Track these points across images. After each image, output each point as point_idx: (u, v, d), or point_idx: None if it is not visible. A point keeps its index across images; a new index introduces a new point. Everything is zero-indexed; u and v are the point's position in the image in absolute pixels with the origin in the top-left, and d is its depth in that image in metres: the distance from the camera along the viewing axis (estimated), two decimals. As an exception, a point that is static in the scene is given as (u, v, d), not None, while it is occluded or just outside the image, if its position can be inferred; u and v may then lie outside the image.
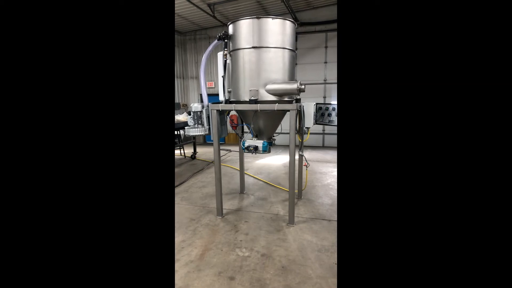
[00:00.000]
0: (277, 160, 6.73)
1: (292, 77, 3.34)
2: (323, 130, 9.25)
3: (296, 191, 4.17)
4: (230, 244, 2.85)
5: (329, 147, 8.96)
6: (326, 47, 8.92)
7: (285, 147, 8.32)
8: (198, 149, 8.03)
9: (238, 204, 3.96)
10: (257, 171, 5.72)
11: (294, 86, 3.06)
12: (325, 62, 9.00)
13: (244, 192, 4.44)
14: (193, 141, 7.29)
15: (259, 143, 3.31)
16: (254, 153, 3.31)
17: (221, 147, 7.60)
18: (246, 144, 3.36)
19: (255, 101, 3.13)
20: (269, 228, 3.19)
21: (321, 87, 9.10)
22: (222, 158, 6.92)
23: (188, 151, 7.39)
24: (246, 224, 3.29)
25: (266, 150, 3.32)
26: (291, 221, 3.26)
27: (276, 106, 3.02)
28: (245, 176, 5.28)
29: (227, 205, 3.91)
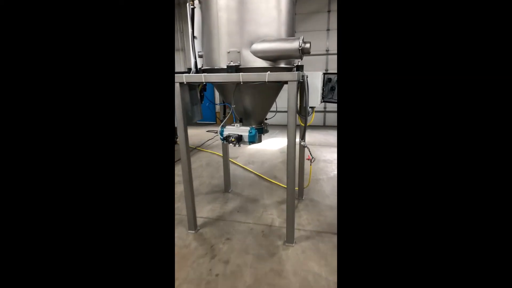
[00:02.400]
0: (273, 145, 5.75)
1: (291, 32, 2.27)
2: (325, 107, 8.21)
3: (297, 188, 3.24)
4: (200, 283, 1.93)
5: (331, 127, 7.97)
6: (328, 11, 7.67)
7: (283, 127, 7.32)
8: (183, 132, 7.04)
9: (220, 209, 3.03)
10: (248, 160, 4.75)
11: (294, 44, 2.01)
12: (328, 30, 7.80)
13: (230, 190, 3.49)
14: (175, 123, 6.26)
15: (244, 130, 2.30)
16: (237, 145, 2.32)
17: (209, 129, 6.58)
18: (225, 133, 2.35)
19: (236, 69, 2.09)
20: (259, 251, 2.26)
21: (323, 59, 7.95)
22: (208, 143, 5.93)
23: (170, 134, 6.39)
24: (228, 244, 2.37)
25: (254, 140, 2.32)
26: (289, 239, 2.34)
27: (268, 76, 1.99)
28: (234, 166, 4.32)
29: (205, 211, 2.97)
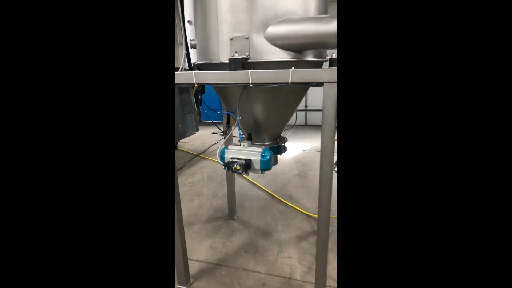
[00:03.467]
0: (286, 152, 5.02)
1: (323, 9, 1.55)
2: (342, 107, 7.43)
3: (313, 215, 2.54)
4: None
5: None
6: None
7: (296, 127, 6.59)
8: (185, 135, 6.36)
9: (222, 246, 2.34)
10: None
11: (330, 26, 1.29)
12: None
13: (235, 217, 2.80)
14: (175, 125, 5.60)
15: (254, 153, 1.60)
16: (244, 174, 1.61)
17: (216, 131, 5.94)
18: (227, 156, 1.65)
19: (243, 64, 1.39)
20: (275, 327, 1.57)
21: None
22: (212, 148, 5.25)
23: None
24: (231, 312, 1.69)
25: (269, 167, 1.61)
26: (319, 308, 1.64)
27: (292, 74, 1.27)
28: (241, 180, 3.62)
29: (204, 250, 2.29)
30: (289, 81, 1.29)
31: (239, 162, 1.54)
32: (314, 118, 7.36)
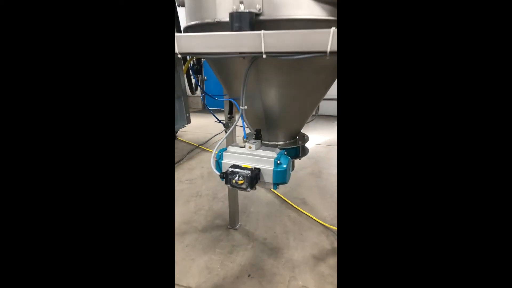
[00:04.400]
0: (296, 144, 4.52)
1: None
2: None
3: (332, 227, 2.04)
4: None
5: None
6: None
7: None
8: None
9: (220, 267, 1.88)
10: (264, 167, 3.57)
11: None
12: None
13: (238, 226, 2.34)
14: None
15: (265, 159, 1.10)
16: (249, 190, 1.13)
17: (220, 119, 5.47)
18: (226, 162, 1.16)
19: (253, 21, 0.88)
20: None
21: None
22: (215, 139, 4.78)
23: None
24: None
25: (285, 180, 1.12)
26: None
27: (333, 37, 0.76)
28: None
29: (198, 271, 1.84)
30: (328, 50, 0.79)
31: (243, 174, 1.05)
32: (326, 107, 6.79)
